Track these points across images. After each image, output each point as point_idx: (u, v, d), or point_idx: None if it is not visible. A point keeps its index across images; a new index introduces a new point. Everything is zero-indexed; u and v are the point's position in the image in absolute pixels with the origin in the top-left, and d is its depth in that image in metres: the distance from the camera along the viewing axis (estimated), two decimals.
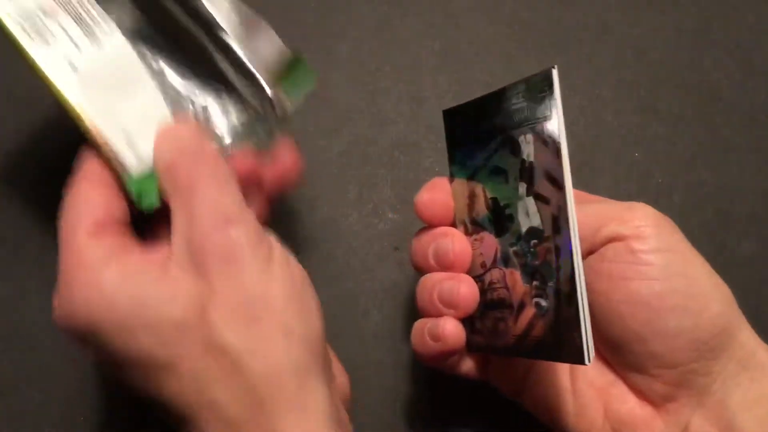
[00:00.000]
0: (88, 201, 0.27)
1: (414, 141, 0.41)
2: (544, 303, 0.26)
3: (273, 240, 0.27)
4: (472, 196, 0.30)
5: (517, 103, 0.27)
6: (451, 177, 0.32)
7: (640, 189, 0.40)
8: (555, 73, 0.25)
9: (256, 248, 0.25)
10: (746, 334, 0.28)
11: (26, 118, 0.41)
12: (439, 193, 0.31)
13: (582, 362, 0.25)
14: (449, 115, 0.32)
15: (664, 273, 0.27)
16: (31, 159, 0.40)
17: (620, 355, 0.29)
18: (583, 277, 0.25)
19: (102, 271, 0.25)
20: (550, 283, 0.26)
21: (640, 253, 0.27)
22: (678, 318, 0.27)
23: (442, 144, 0.32)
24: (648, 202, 0.29)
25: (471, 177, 0.30)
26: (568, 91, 0.42)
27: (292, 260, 0.27)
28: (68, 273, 0.25)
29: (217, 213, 0.25)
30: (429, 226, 0.32)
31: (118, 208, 0.27)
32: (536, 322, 0.27)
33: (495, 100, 0.28)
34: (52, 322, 0.26)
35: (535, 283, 0.27)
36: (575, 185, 0.33)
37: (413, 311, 0.34)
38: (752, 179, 0.40)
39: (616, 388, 0.30)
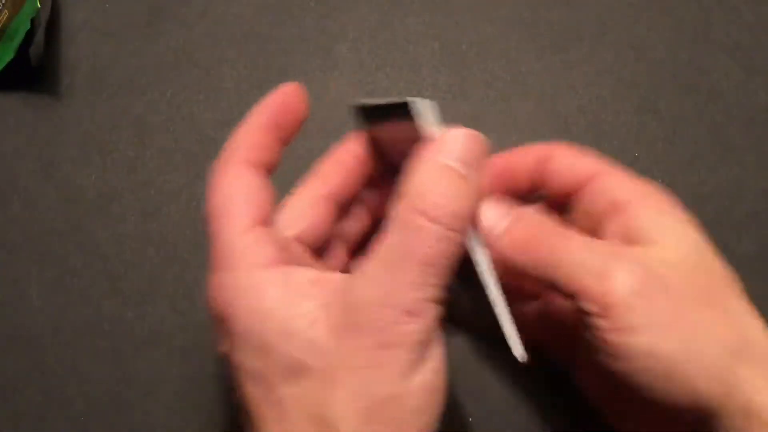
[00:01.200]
0: (243, 191, 0.25)
1: None
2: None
3: (438, 341, 0.24)
4: None
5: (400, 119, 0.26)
6: None
7: None
8: (413, 103, 0.25)
9: (419, 350, 0.23)
10: (747, 388, 0.25)
11: (25, 118, 0.41)
12: None
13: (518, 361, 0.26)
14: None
15: (629, 353, 0.25)
16: (30, 159, 0.40)
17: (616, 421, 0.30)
18: (498, 293, 0.26)
19: (263, 278, 0.24)
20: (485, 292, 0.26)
21: (605, 332, 0.25)
22: (659, 397, 0.25)
23: None
24: None
25: None
26: (568, 91, 0.42)
27: (443, 368, 0.24)
28: (224, 262, 0.24)
29: (408, 298, 0.22)
30: None
31: (269, 199, 0.26)
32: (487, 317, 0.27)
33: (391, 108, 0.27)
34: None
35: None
36: None
37: None
38: (752, 179, 0.40)
39: None
